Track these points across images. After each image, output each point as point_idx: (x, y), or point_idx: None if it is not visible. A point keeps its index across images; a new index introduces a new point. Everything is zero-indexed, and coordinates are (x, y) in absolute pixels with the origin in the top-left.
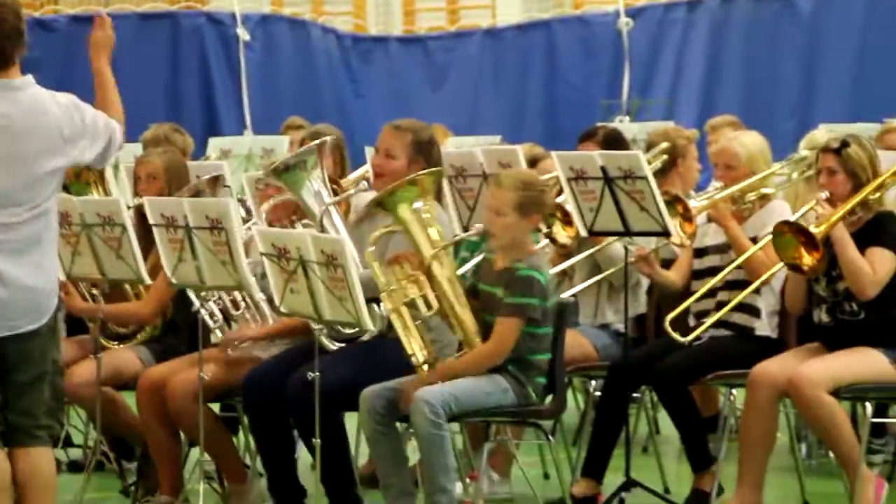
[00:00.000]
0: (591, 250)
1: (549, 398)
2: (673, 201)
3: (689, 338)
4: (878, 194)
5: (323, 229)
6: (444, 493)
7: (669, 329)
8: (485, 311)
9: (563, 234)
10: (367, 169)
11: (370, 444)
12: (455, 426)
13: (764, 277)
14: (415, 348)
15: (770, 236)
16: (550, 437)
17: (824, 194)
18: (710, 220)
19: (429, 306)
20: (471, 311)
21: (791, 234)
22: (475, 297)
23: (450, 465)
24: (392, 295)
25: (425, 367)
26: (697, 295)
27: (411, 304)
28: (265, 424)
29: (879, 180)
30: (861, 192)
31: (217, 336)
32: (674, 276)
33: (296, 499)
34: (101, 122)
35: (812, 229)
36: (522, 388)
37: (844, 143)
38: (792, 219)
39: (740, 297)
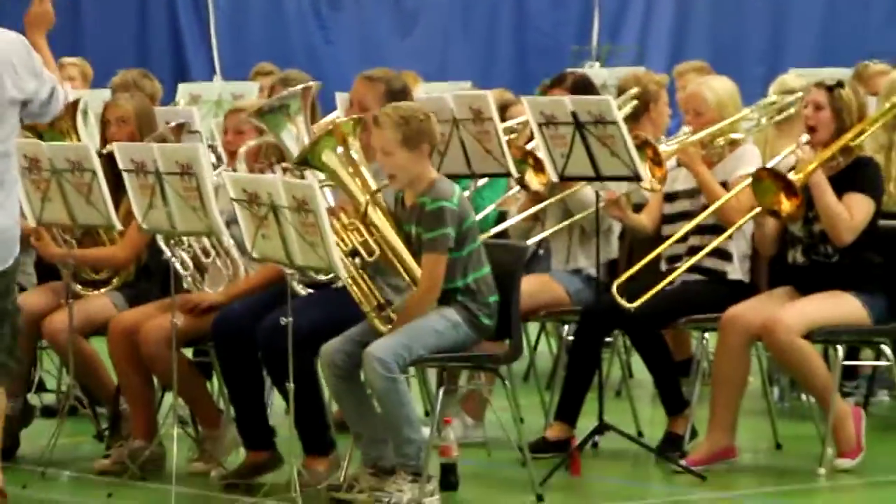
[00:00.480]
0: (562, 195)
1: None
2: (642, 146)
3: (636, 304)
4: (859, 139)
5: (302, 174)
6: (411, 444)
7: (616, 294)
8: (411, 250)
9: (535, 181)
10: (337, 115)
11: (335, 398)
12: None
13: (739, 224)
14: (364, 298)
15: (741, 182)
16: (507, 383)
17: (805, 137)
18: (679, 164)
19: (370, 252)
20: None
21: (770, 179)
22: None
23: (411, 415)
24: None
25: (373, 314)
26: (642, 263)
27: (354, 253)
28: (234, 367)
29: (860, 126)
30: (842, 139)
31: (189, 283)
32: (645, 220)
33: (265, 441)
34: (45, 70)
35: (791, 176)
36: (474, 317)
37: (839, 84)
38: (771, 164)
39: (707, 250)
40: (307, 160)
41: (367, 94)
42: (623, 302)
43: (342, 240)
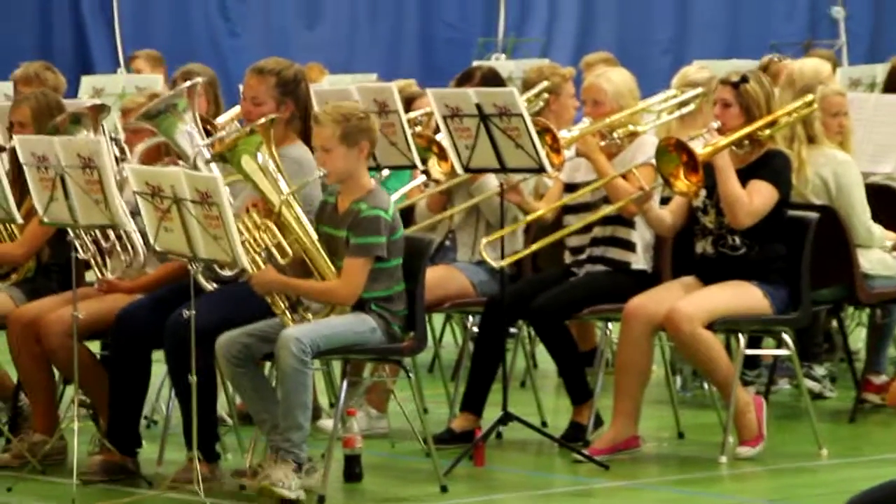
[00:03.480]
0: (475, 200)
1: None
2: (542, 132)
3: (504, 262)
4: (768, 132)
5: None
6: (299, 431)
7: (483, 253)
8: (330, 254)
9: (436, 170)
10: (239, 109)
11: (234, 387)
12: (333, 364)
13: (625, 201)
14: (275, 297)
15: (640, 170)
16: (411, 374)
17: (716, 124)
18: (578, 154)
19: (283, 254)
20: (326, 255)
21: (675, 151)
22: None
23: (308, 403)
24: (245, 245)
25: (285, 314)
26: (533, 216)
27: (266, 253)
28: (126, 362)
29: (771, 117)
30: (752, 125)
31: (93, 266)
32: (542, 206)
33: (130, 446)
34: None
35: (697, 150)
36: (388, 325)
37: (744, 78)
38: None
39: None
40: (224, 156)
41: (259, 88)
42: (490, 260)
43: (254, 240)
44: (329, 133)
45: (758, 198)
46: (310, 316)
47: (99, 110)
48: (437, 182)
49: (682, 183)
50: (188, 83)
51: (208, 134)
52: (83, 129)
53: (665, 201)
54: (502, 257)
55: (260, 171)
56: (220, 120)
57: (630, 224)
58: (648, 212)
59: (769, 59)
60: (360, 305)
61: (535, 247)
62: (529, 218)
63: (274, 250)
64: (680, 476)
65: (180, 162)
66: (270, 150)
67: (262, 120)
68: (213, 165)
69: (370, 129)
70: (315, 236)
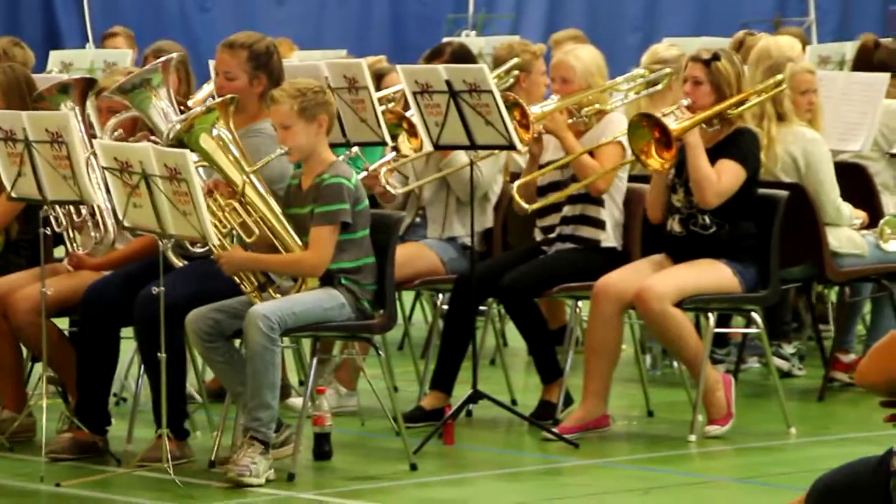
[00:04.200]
0: (444, 172)
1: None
2: (511, 107)
3: (534, 206)
4: (738, 109)
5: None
6: (267, 409)
7: (515, 195)
8: (299, 233)
9: (406, 146)
10: (211, 85)
11: (208, 363)
12: (302, 341)
13: (592, 179)
14: (244, 278)
15: (607, 148)
16: (381, 352)
17: (686, 101)
18: (546, 131)
19: (249, 233)
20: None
21: (647, 127)
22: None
23: (276, 381)
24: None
25: (254, 293)
26: (549, 202)
27: (231, 234)
28: (95, 339)
29: (742, 95)
30: (723, 103)
31: (64, 251)
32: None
33: (101, 425)
34: None
35: (669, 125)
36: (357, 300)
37: (715, 56)
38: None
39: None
40: (182, 142)
41: (231, 62)
42: (522, 203)
43: (219, 221)
44: (287, 109)
45: (725, 177)
46: (279, 296)
47: (88, 84)
48: (405, 156)
49: (654, 160)
50: (163, 58)
51: (181, 112)
52: (69, 101)
53: (637, 179)
54: (472, 235)
55: (219, 149)
56: (192, 102)
57: (599, 202)
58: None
59: (744, 34)
60: (329, 280)
61: (531, 175)
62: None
63: (239, 230)
64: (649, 454)
65: (153, 138)
66: (229, 126)
67: (219, 99)
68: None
69: (327, 103)
70: (279, 212)
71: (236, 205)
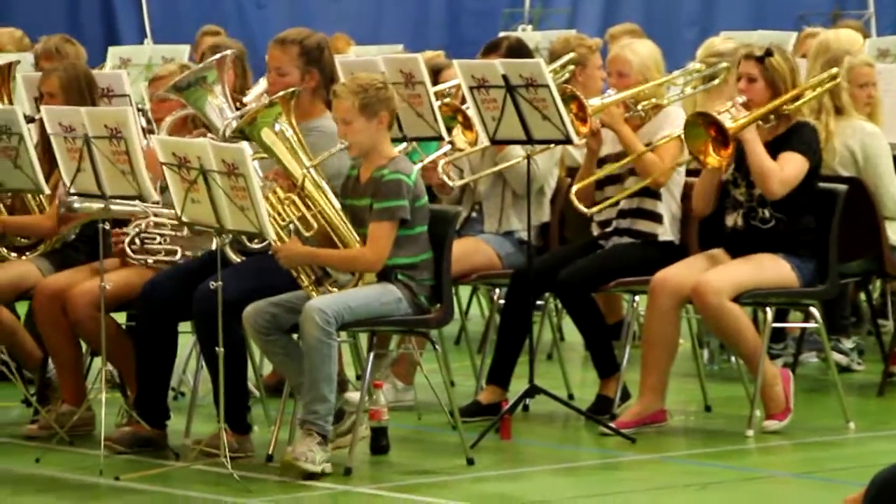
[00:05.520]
0: (500, 166)
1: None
2: (569, 99)
3: (594, 209)
4: (794, 105)
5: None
6: (324, 403)
7: (574, 199)
8: (356, 225)
9: (461, 139)
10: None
11: (267, 356)
12: (359, 335)
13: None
14: (302, 271)
15: (662, 138)
16: (437, 347)
17: (741, 98)
18: (602, 125)
19: (308, 227)
20: (350, 227)
21: (703, 126)
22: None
23: (333, 375)
24: (270, 220)
25: (311, 287)
26: (600, 174)
27: (289, 227)
28: (153, 334)
29: (797, 90)
30: (779, 99)
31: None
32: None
33: (159, 419)
34: None
35: (726, 123)
36: (414, 295)
37: (768, 52)
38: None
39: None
40: (244, 133)
41: (283, 58)
42: (581, 206)
43: (279, 214)
44: (348, 105)
45: (789, 167)
46: (335, 290)
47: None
48: (460, 150)
49: (712, 158)
50: (218, 55)
51: (237, 108)
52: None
53: (695, 173)
54: (528, 229)
55: (280, 142)
56: (248, 98)
57: (657, 196)
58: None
59: (806, 32)
60: (386, 275)
61: (598, 175)
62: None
63: (298, 224)
64: (707, 449)
65: (209, 135)
66: (290, 120)
67: (282, 92)
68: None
69: (389, 99)
70: (339, 207)
71: (295, 198)
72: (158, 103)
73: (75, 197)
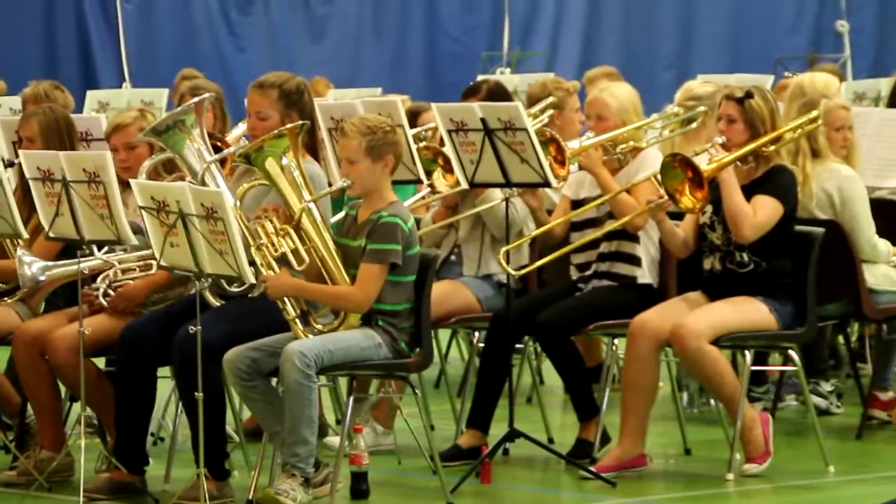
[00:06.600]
0: (479, 208)
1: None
2: (547, 142)
3: (520, 272)
4: (773, 147)
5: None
6: (306, 445)
7: (501, 260)
8: (347, 265)
9: (441, 182)
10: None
11: (246, 403)
12: (339, 380)
13: (631, 216)
14: (286, 303)
15: (639, 180)
16: (417, 391)
17: (721, 139)
18: (580, 168)
19: (300, 261)
20: (342, 265)
21: (679, 167)
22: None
23: (314, 417)
24: (262, 250)
25: (297, 321)
26: (542, 229)
27: (282, 260)
28: (132, 379)
29: (776, 133)
30: (757, 141)
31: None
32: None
33: (138, 464)
34: None
35: (701, 165)
36: (394, 341)
37: (748, 94)
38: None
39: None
40: (248, 158)
41: (263, 102)
42: (507, 267)
43: (272, 244)
44: (355, 145)
45: (762, 212)
46: (320, 326)
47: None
48: (439, 192)
49: (687, 199)
50: (196, 98)
51: (216, 150)
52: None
53: (674, 216)
54: (508, 273)
55: (283, 175)
56: (229, 138)
57: (635, 239)
58: (662, 222)
59: (782, 83)
60: (367, 319)
61: (545, 259)
62: (538, 231)
63: (291, 256)
64: (687, 493)
65: (188, 178)
66: (296, 155)
67: (291, 125)
68: (221, 183)
69: (396, 143)
70: (332, 245)
71: (290, 230)
72: (126, 151)
73: (39, 269)
